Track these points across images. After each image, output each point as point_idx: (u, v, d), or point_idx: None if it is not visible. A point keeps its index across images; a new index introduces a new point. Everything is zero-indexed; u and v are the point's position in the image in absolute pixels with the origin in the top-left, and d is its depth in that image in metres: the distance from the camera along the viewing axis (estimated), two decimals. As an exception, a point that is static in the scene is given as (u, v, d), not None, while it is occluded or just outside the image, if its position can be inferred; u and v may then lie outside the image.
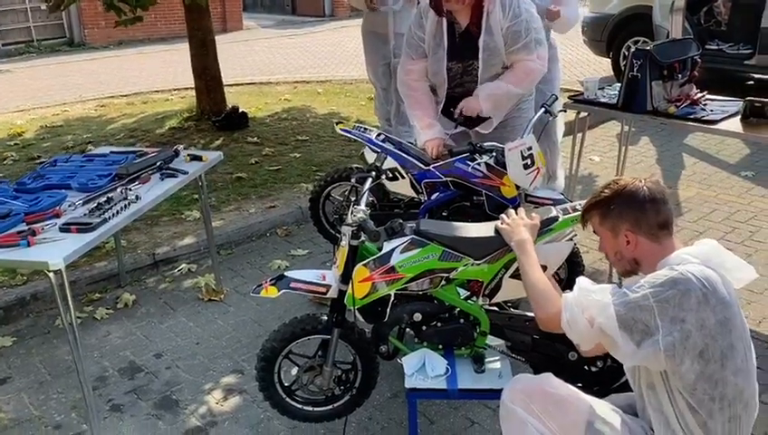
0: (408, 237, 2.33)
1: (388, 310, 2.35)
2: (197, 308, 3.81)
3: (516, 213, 2.30)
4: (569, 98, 4.09)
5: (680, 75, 3.66)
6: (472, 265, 2.30)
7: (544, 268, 2.28)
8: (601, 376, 2.43)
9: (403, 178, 3.36)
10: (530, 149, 3.11)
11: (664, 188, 1.87)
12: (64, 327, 2.52)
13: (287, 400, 2.62)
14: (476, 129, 3.51)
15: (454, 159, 3.24)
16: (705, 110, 3.63)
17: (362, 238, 2.29)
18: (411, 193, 3.42)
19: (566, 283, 3.34)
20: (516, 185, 3.17)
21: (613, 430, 1.84)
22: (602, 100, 3.95)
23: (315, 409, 2.64)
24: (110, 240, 4.20)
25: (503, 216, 2.31)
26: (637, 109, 3.63)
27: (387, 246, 2.33)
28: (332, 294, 2.41)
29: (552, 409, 1.89)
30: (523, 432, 1.90)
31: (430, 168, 3.30)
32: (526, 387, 1.95)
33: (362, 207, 2.32)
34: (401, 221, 2.40)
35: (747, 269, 1.84)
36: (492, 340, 2.45)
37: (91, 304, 3.86)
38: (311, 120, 7.27)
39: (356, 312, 2.33)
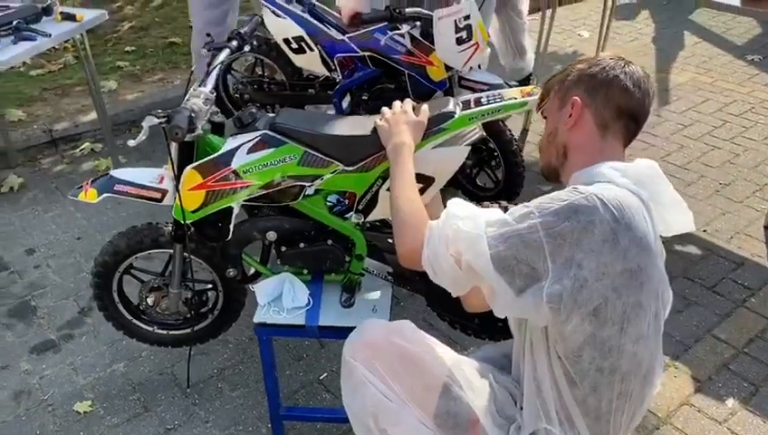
0: (259, 133, 1.76)
1: (232, 226, 1.83)
2: (90, 196, 3.31)
3: (402, 105, 1.72)
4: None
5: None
6: (341, 171, 1.76)
7: (430, 181, 1.75)
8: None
9: (311, 50, 2.72)
10: (467, 18, 2.45)
11: (651, 83, 1.33)
12: None
13: (134, 321, 2.17)
14: None
15: (372, 27, 2.59)
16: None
17: (199, 130, 1.73)
18: (323, 70, 2.78)
19: (504, 185, 2.81)
20: (447, 65, 2.56)
21: (476, 395, 1.39)
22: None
23: (169, 332, 2.20)
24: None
25: (384, 109, 1.73)
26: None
27: (230, 143, 1.77)
28: (170, 200, 1.88)
29: (401, 368, 1.43)
30: (363, 395, 1.45)
31: (344, 38, 2.66)
32: (371, 339, 1.48)
33: (205, 89, 1.74)
34: (254, 110, 1.81)
35: (685, 216, 1.35)
36: (375, 265, 1.95)
37: (-29, 188, 3.38)
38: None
39: (187, 227, 1.82)
